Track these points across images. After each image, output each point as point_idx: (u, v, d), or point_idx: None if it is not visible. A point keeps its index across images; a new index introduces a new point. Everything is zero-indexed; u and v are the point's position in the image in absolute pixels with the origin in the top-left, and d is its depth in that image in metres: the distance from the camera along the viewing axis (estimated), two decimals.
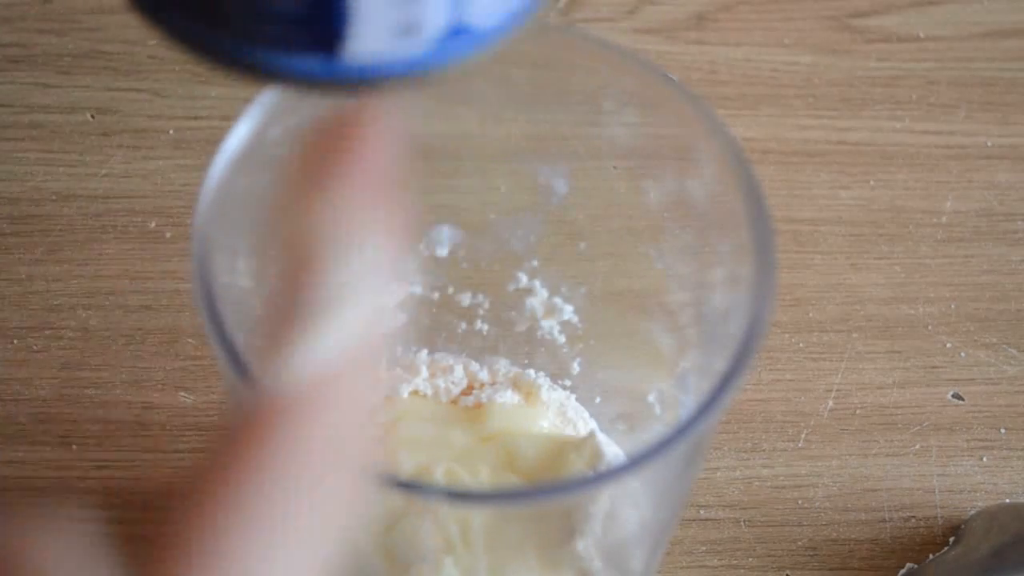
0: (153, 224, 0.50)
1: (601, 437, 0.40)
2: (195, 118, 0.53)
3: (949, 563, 0.43)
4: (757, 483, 0.46)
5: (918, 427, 0.47)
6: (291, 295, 0.21)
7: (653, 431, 0.39)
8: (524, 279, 0.40)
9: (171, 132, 0.53)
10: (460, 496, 0.32)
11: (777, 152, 0.54)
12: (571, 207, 0.37)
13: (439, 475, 0.39)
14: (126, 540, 0.19)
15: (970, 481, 0.46)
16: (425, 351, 0.42)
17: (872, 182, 0.53)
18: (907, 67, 0.57)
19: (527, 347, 0.42)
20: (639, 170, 0.34)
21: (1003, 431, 0.48)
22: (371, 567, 0.35)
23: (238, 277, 0.32)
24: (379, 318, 0.21)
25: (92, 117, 0.53)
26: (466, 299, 0.41)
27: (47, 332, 0.48)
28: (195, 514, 0.19)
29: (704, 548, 0.45)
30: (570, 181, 0.37)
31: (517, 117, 0.36)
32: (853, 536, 0.45)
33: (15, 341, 0.47)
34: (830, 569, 0.44)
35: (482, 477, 0.39)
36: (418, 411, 0.41)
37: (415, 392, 0.42)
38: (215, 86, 0.54)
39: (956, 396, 0.48)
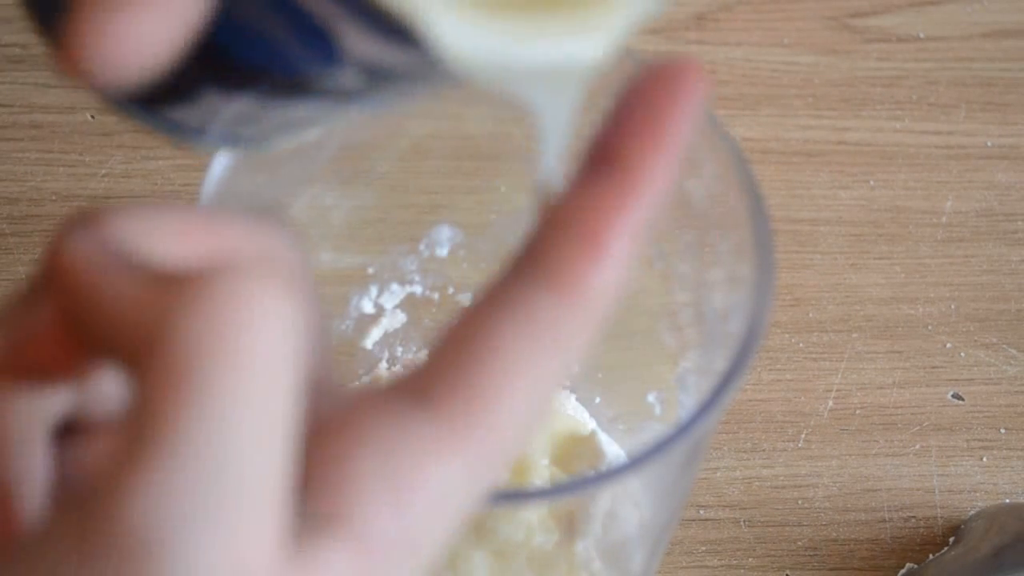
0: None
1: (601, 437, 0.40)
2: None
3: (949, 563, 0.43)
4: (757, 483, 0.46)
5: (918, 427, 0.47)
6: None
7: (653, 431, 0.40)
8: None
9: None
10: None
11: (777, 152, 0.54)
12: None
13: None
14: None
15: (970, 481, 0.46)
16: (425, 351, 0.42)
17: (872, 182, 0.53)
18: (907, 67, 0.57)
19: None
20: None
21: (1003, 431, 0.48)
22: None
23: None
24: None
25: (92, 117, 0.53)
26: (466, 299, 0.41)
27: None
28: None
29: (704, 548, 0.45)
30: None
31: (517, 117, 0.36)
32: (853, 536, 0.45)
33: None
34: (830, 569, 0.44)
35: None
36: None
37: None
38: None
39: (956, 396, 0.48)
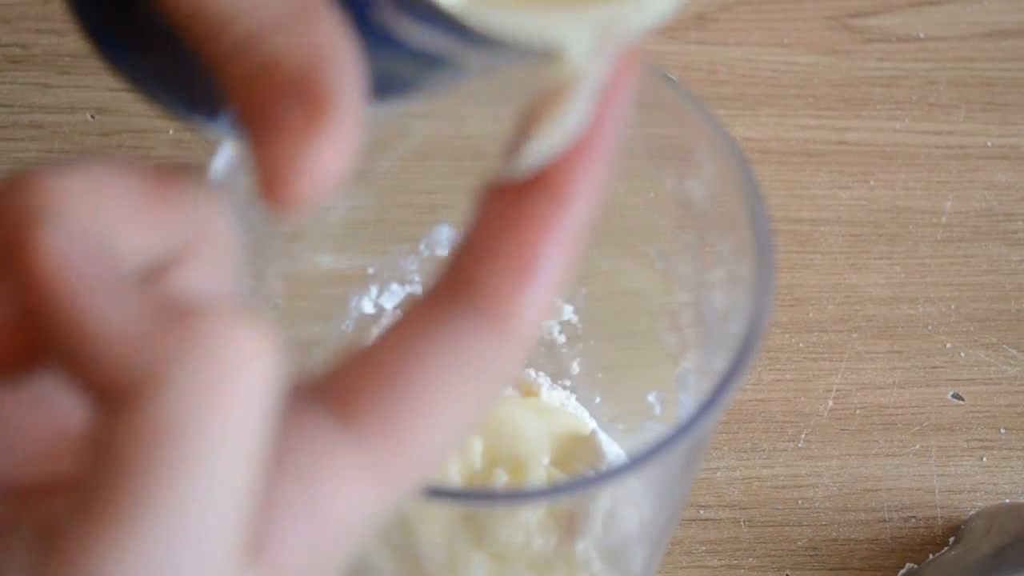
0: None
1: (601, 437, 0.40)
2: None
3: (949, 563, 0.43)
4: (757, 483, 0.46)
5: (918, 427, 0.47)
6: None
7: (653, 431, 0.40)
8: None
9: (171, 132, 0.53)
10: (462, 495, 0.32)
11: (777, 152, 0.54)
12: None
13: None
14: None
15: (970, 481, 0.46)
16: None
17: (872, 182, 0.53)
18: (907, 67, 0.57)
19: None
20: (639, 170, 0.34)
21: (1003, 431, 0.48)
22: (377, 565, 0.35)
23: (238, 277, 0.32)
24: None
25: (92, 117, 0.53)
26: None
27: None
28: None
29: (704, 548, 0.45)
30: None
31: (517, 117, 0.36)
32: (853, 536, 0.45)
33: None
34: (830, 569, 0.44)
35: (475, 465, 0.39)
36: None
37: None
38: None
39: (956, 396, 0.48)
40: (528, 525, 0.36)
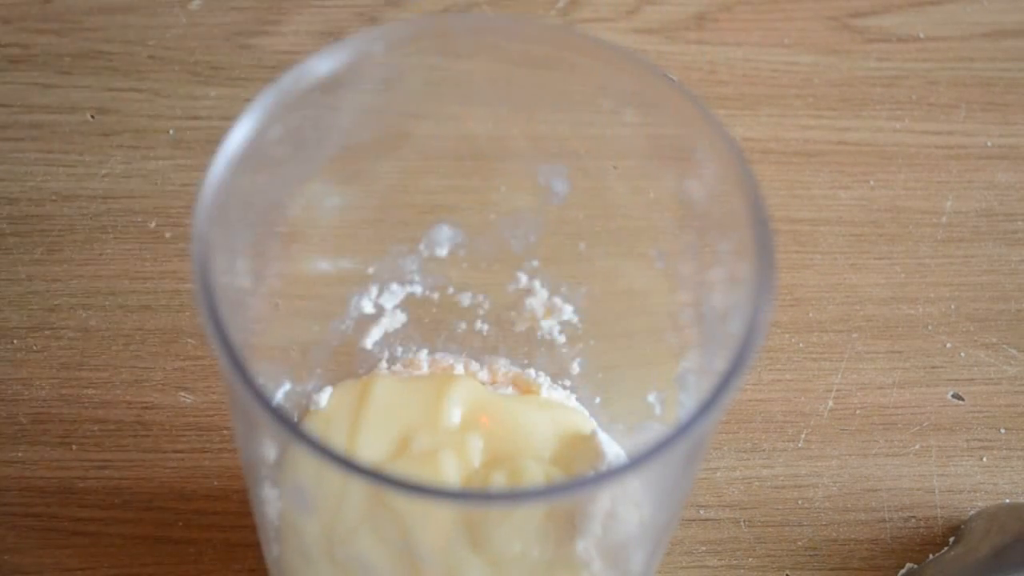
0: (153, 224, 0.50)
1: (601, 437, 0.40)
2: (195, 118, 0.53)
3: (949, 563, 0.43)
4: (757, 483, 0.46)
5: (918, 427, 0.47)
6: None
7: (653, 431, 0.39)
8: (524, 279, 0.40)
9: (171, 132, 0.53)
10: (459, 495, 0.32)
11: (777, 152, 0.54)
12: (571, 207, 0.37)
13: (416, 449, 0.38)
14: None
15: (970, 481, 0.46)
16: (425, 351, 0.42)
17: (872, 182, 0.53)
18: (907, 67, 0.57)
19: (527, 347, 0.42)
20: (639, 170, 0.34)
21: (1003, 431, 0.48)
22: (375, 568, 0.35)
23: (238, 277, 0.32)
24: None
25: (92, 117, 0.53)
26: (466, 299, 0.41)
27: (47, 332, 0.48)
28: None
29: (704, 548, 0.45)
30: (570, 181, 0.37)
31: (517, 117, 0.36)
32: (853, 536, 0.45)
33: (15, 341, 0.47)
34: (830, 569, 0.44)
35: (474, 464, 0.38)
36: (399, 383, 0.41)
37: None
38: (215, 86, 0.54)
39: (956, 396, 0.48)
40: (527, 527, 0.36)
